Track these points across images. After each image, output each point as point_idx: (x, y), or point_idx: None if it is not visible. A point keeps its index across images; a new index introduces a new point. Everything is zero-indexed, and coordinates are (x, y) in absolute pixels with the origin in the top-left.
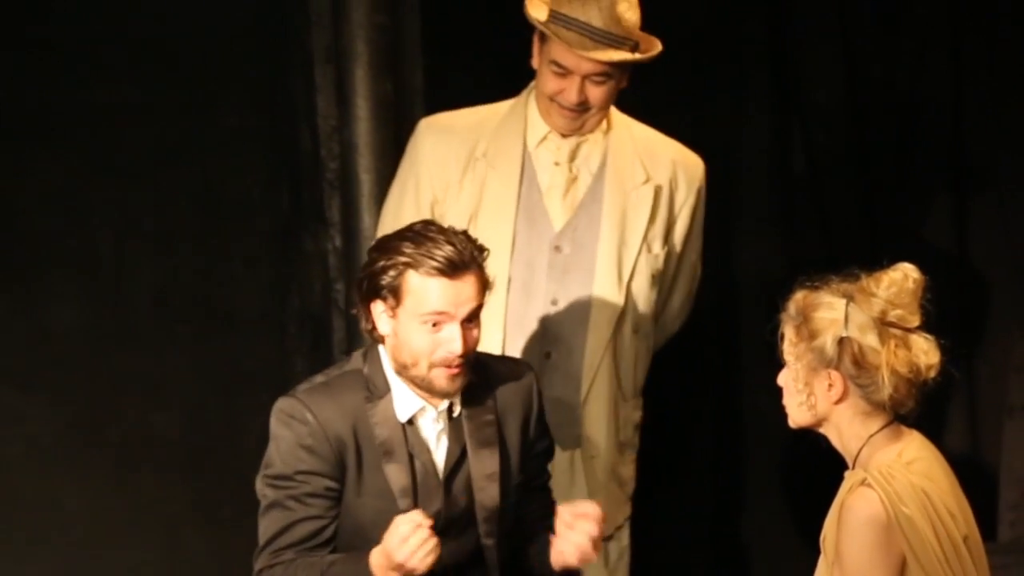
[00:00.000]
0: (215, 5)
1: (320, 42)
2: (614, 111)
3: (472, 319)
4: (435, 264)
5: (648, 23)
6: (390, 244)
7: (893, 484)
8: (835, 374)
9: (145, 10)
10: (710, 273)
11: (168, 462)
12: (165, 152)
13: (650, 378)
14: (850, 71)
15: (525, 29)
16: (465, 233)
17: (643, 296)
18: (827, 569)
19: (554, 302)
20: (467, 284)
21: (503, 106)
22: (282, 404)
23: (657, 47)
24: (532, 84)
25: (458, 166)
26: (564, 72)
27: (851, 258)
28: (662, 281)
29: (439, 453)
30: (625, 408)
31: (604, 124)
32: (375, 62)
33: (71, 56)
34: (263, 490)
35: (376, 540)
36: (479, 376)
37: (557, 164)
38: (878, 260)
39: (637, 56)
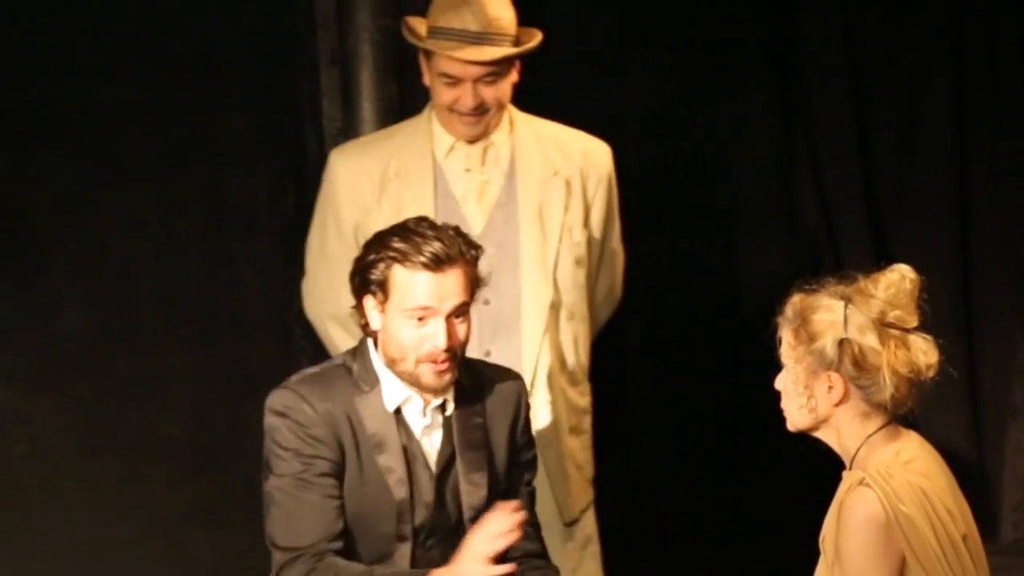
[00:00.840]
0: (221, 8)
1: (325, 45)
2: (515, 111)
3: (460, 314)
4: (420, 259)
5: (651, 26)
6: (381, 239)
7: (891, 483)
8: (835, 376)
9: (152, 12)
10: (714, 275)
11: (173, 463)
12: (171, 154)
13: (652, 379)
14: (853, 73)
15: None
16: (457, 229)
17: (571, 283)
18: (827, 569)
19: (486, 302)
20: (452, 279)
21: (406, 125)
22: (277, 397)
23: (537, 37)
24: (431, 101)
25: (373, 189)
26: (455, 81)
27: (855, 260)
28: (588, 268)
29: (428, 445)
30: (572, 394)
31: (507, 125)
32: (380, 65)
33: (76, 57)
34: (271, 485)
35: (376, 528)
36: (471, 380)
37: (468, 170)
38: (882, 264)
39: (519, 50)
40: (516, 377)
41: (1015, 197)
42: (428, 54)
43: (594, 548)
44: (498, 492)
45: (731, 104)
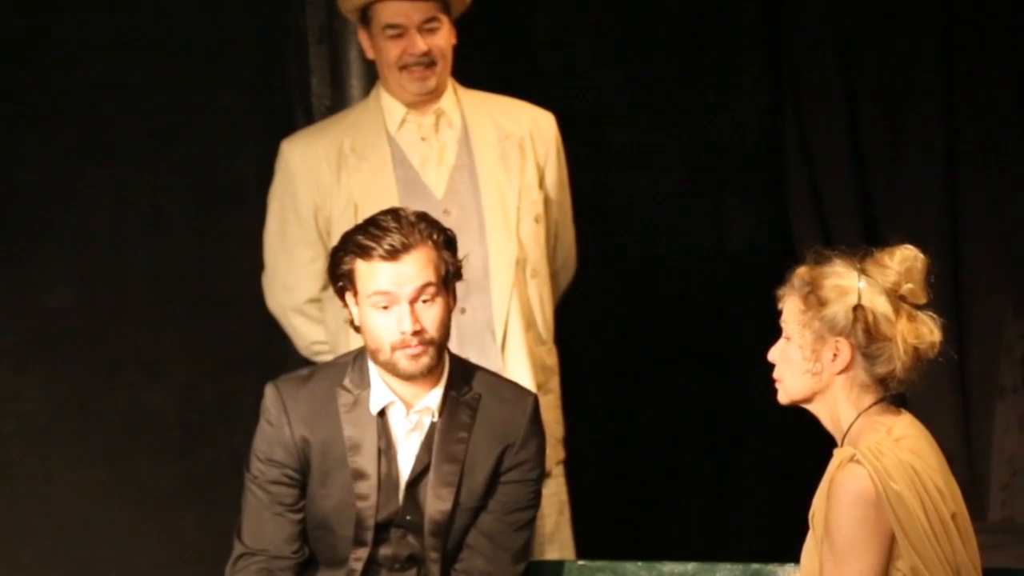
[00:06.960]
0: None
1: (314, 22)
2: (460, 87)
3: (426, 298)
4: (376, 250)
5: (640, 3)
6: (348, 236)
7: (882, 460)
8: (843, 342)
9: None
10: (702, 254)
11: (162, 441)
12: (159, 132)
13: (641, 357)
14: (842, 50)
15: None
16: (421, 215)
17: (532, 240)
18: (816, 545)
19: None
20: (408, 264)
21: (355, 108)
22: (266, 392)
23: None
24: (377, 84)
25: (331, 167)
26: (400, 30)
27: (843, 238)
28: (546, 227)
29: (405, 455)
30: (540, 352)
31: (454, 95)
32: None
33: (65, 36)
34: (247, 478)
35: (338, 533)
36: (469, 391)
37: (424, 139)
38: (871, 242)
39: None
40: (527, 398)
41: (1004, 176)
42: (368, 19)
43: (567, 514)
44: (469, 509)
45: (720, 81)
